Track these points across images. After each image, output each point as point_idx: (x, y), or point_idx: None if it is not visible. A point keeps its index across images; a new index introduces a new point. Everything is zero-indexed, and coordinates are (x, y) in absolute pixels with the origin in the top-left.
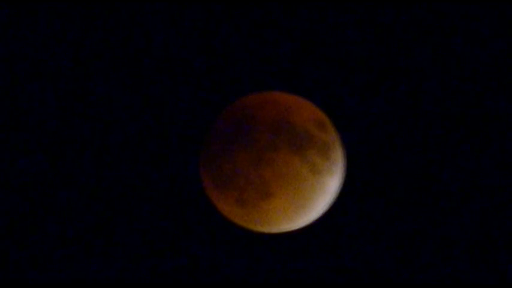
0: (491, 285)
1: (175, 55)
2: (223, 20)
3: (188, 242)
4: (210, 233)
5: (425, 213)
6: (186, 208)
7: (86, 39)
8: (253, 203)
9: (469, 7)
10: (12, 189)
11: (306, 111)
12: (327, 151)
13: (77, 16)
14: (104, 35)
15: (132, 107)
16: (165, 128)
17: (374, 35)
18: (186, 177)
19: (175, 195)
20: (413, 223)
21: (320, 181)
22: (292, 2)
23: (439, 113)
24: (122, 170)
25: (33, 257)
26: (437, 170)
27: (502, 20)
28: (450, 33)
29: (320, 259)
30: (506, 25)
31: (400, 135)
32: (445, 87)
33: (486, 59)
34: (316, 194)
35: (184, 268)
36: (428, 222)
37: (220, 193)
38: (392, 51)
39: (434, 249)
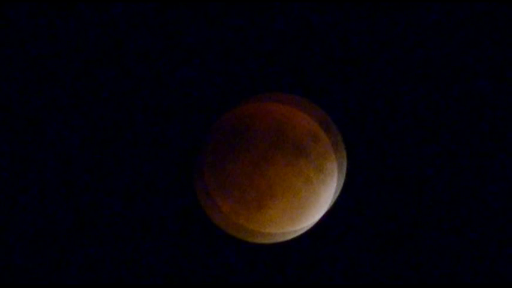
0: (493, 285)
1: (172, 60)
2: (220, 21)
3: (183, 252)
4: (204, 243)
5: (429, 214)
6: (181, 218)
7: (87, 40)
8: (247, 214)
9: (474, 7)
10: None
11: (300, 123)
12: (321, 163)
13: (81, 16)
14: (104, 36)
15: (127, 113)
16: (159, 136)
17: (377, 35)
18: (180, 187)
19: (169, 206)
20: (416, 224)
21: (314, 193)
22: (295, 2)
23: (444, 115)
24: (116, 175)
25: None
26: (441, 171)
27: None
28: (455, 34)
29: (316, 268)
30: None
31: (403, 137)
32: (450, 89)
33: (490, 60)
34: (310, 206)
35: (179, 277)
36: (432, 223)
37: (213, 204)
38: (396, 52)
39: (438, 250)
